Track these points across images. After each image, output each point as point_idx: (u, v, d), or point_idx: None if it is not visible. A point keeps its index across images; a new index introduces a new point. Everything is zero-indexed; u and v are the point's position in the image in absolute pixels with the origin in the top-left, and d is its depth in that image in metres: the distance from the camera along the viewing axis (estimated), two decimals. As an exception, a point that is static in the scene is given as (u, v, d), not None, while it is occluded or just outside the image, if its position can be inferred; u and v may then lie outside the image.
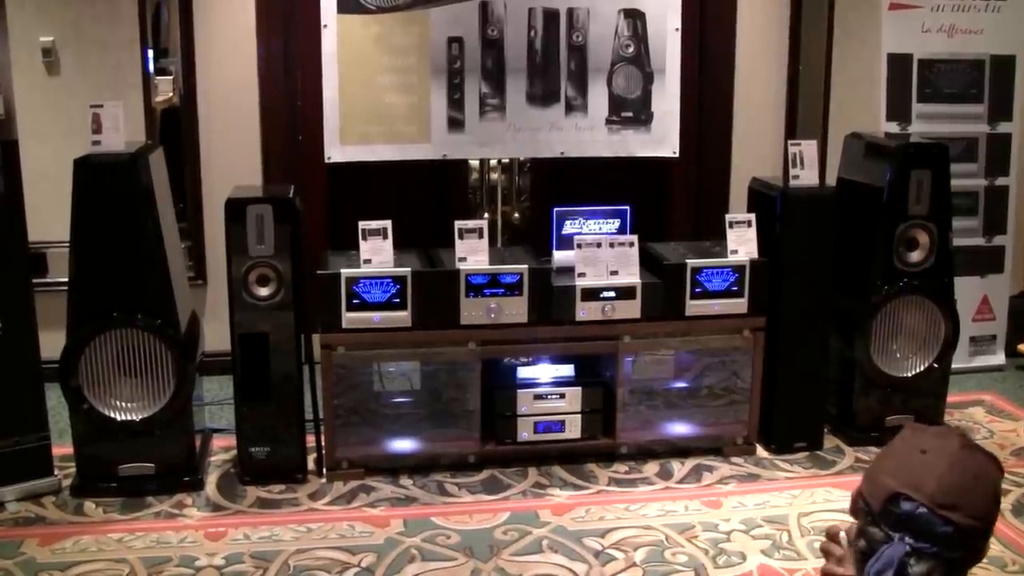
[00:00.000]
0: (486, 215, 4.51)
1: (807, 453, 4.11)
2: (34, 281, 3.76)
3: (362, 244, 3.77)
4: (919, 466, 1.54)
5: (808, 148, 4.09)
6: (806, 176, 4.05)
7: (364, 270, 3.74)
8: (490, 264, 3.81)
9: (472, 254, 3.81)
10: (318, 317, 3.78)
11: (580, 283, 3.85)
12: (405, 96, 4.32)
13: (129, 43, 4.62)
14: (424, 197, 4.83)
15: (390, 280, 3.74)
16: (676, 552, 3.35)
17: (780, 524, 3.55)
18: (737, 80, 5.08)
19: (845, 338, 4.16)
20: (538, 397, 3.92)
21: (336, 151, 4.28)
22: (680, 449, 4.07)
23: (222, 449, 4.09)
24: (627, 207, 4.14)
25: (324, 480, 3.84)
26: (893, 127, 4.87)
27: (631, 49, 4.47)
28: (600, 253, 3.87)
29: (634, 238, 3.92)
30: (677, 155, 4.59)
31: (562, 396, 3.93)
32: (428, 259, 3.97)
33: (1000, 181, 5.04)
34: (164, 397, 3.66)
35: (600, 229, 4.10)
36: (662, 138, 4.53)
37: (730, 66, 5.06)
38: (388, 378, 3.96)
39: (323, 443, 3.86)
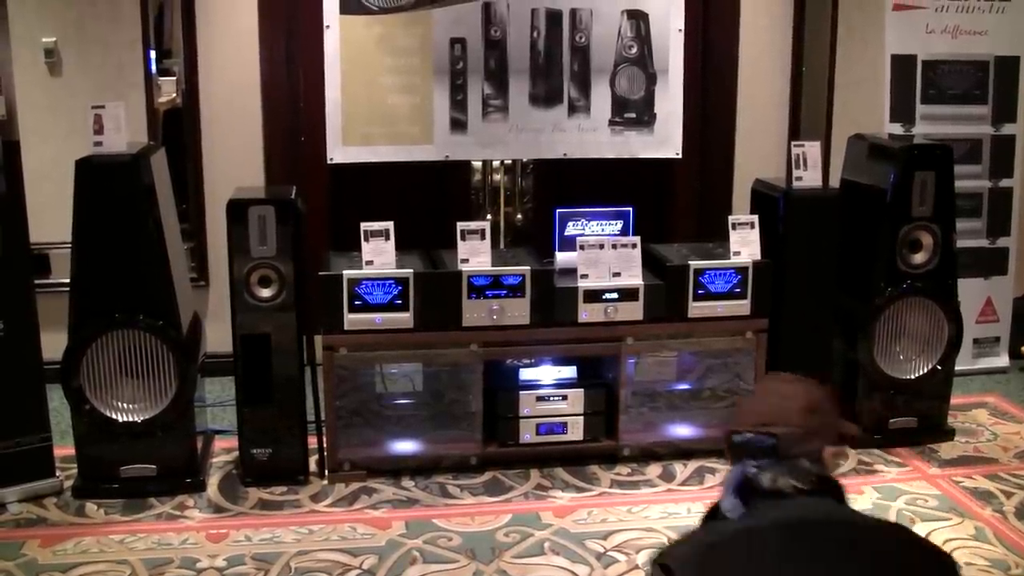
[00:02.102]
0: (488, 216, 4.50)
1: (810, 455, 4.10)
2: (36, 282, 3.76)
3: (364, 245, 3.77)
4: (745, 406, 1.96)
5: (811, 149, 4.08)
6: (809, 177, 4.05)
7: (366, 271, 3.74)
8: (492, 265, 3.81)
9: (474, 255, 3.81)
10: (320, 318, 3.77)
11: (582, 284, 3.84)
12: (407, 97, 4.31)
13: (131, 43, 4.62)
14: (426, 198, 4.83)
15: (392, 281, 3.73)
16: (678, 554, 3.33)
17: (783, 526, 3.53)
18: (740, 81, 5.07)
19: (848, 340, 4.16)
20: (540, 399, 3.91)
21: (338, 152, 4.28)
22: (683, 451, 4.06)
23: (224, 450, 4.09)
24: (630, 208, 4.14)
25: (326, 482, 3.84)
26: (897, 128, 4.85)
27: (634, 50, 4.46)
28: (602, 254, 3.87)
29: (636, 239, 3.92)
30: (680, 156, 4.59)
31: (564, 398, 3.92)
32: (430, 260, 3.97)
33: (1004, 183, 5.03)
34: (166, 398, 3.65)
35: (603, 230, 4.10)
36: (665, 139, 4.53)
37: (733, 67, 5.05)
38: (390, 380, 3.96)
39: (325, 445, 3.86)
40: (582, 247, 3.88)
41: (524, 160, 4.56)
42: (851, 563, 1.70)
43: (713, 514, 1.90)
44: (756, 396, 1.96)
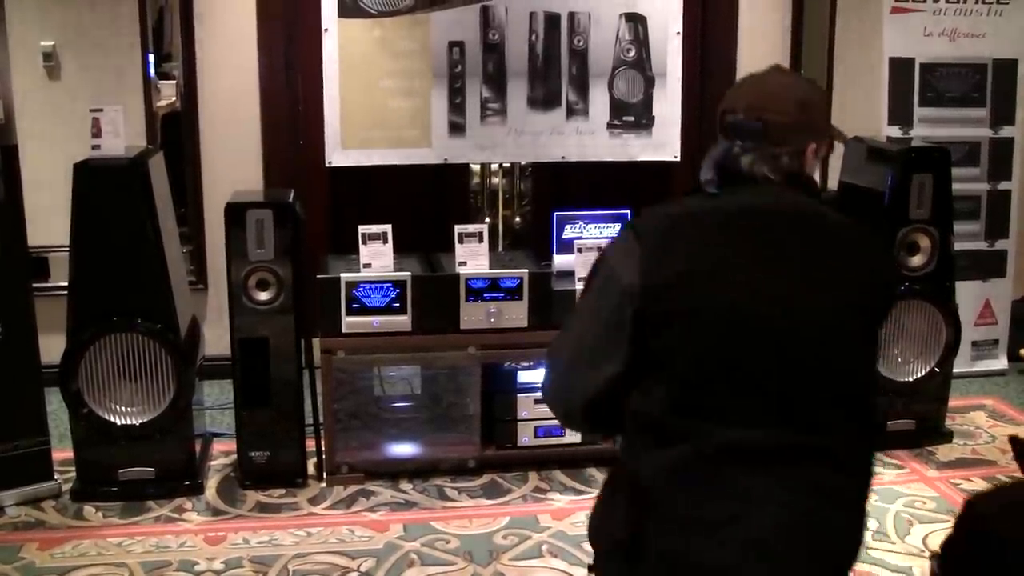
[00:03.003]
0: (487, 219, 4.50)
1: (808, 458, 4.10)
2: (35, 285, 3.77)
3: (362, 248, 3.77)
4: (743, 87, 1.97)
5: (809, 152, 4.07)
6: (807, 180, 4.04)
7: (364, 274, 3.74)
8: (490, 268, 3.81)
9: (472, 258, 3.81)
10: (318, 321, 3.77)
11: (580, 287, 3.84)
12: (406, 100, 4.31)
13: (130, 47, 4.62)
14: (425, 201, 4.83)
15: (390, 284, 3.74)
16: (676, 557, 3.33)
17: (781, 529, 3.53)
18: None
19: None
20: (538, 401, 3.91)
21: (337, 155, 4.28)
22: (681, 454, 4.05)
23: (222, 453, 4.09)
24: (628, 211, 4.14)
25: (324, 484, 3.84)
26: (895, 131, 4.86)
27: (632, 53, 4.46)
28: (600, 257, 3.86)
29: (635, 242, 3.91)
30: (678, 159, 4.58)
31: (562, 400, 3.91)
32: (428, 263, 3.97)
33: (1002, 185, 5.03)
34: (164, 401, 3.65)
35: (601, 233, 4.10)
36: (663, 142, 4.53)
37: (731, 70, 5.05)
38: (388, 382, 3.96)
39: (323, 447, 3.86)
40: (580, 250, 3.88)
41: (522, 163, 4.56)
42: (796, 244, 1.80)
43: (695, 188, 1.94)
44: (756, 80, 1.95)
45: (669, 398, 1.76)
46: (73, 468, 3.76)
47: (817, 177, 2.11)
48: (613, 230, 4.09)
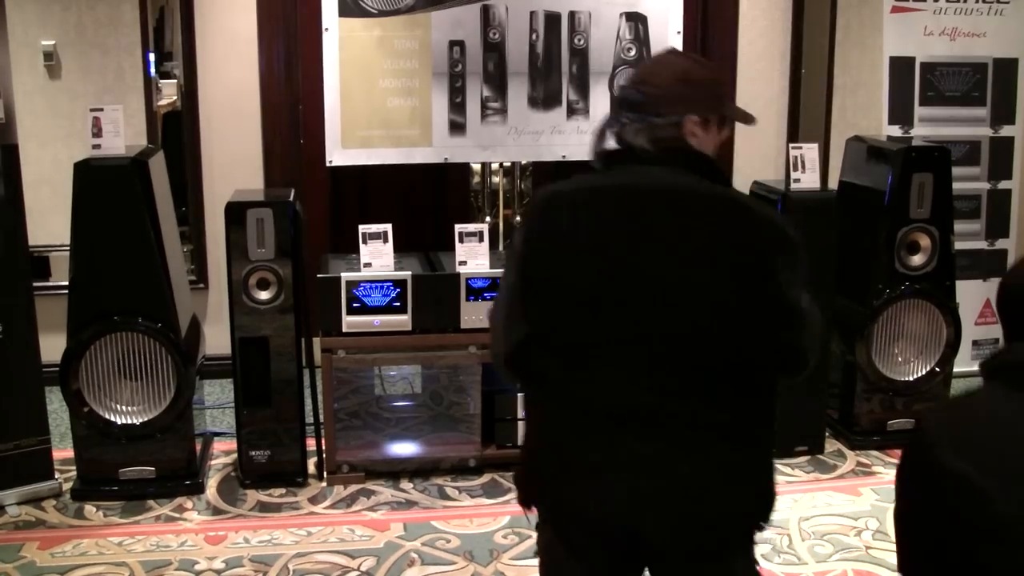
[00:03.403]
0: (488, 219, 4.50)
1: (808, 457, 4.11)
2: (36, 284, 3.77)
3: (362, 248, 3.77)
4: (635, 68, 2.12)
5: (810, 151, 4.08)
6: (807, 179, 4.05)
7: (364, 274, 3.74)
8: (491, 268, 3.81)
9: (472, 258, 3.81)
10: (318, 321, 3.78)
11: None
12: (406, 99, 4.31)
13: (130, 47, 4.62)
14: (425, 201, 4.83)
15: (390, 284, 3.74)
16: (676, 556, 3.34)
17: (781, 528, 3.54)
18: (739, 83, 5.07)
19: (846, 342, 4.16)
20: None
21: (337, 154, 4.28)
22: (681, 453, 4.06)
23: (222, 453, 4.09)
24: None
25: (324, 484, 3.84)
26: (895, 130, 4.86)
27: (633, 52, 4.46)
28: (601, 257, 3.86)
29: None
30: (678, 158, 4.58)
31: (563, 400, 3.92)
32: (429, 263, 3.97)
33: (1003, 184, 5.03)
34: (164, 401, 3.66)
35: (601, 233, 4.09)
36: (663, 141, 4.52)
37: (732, 69, 5.04)
38: (388, 382, 3.96)
39: (323, 447, 3.86)
40: (580, 249, 3.87)
41: (523, 162, 4.56)
42: (663, 219, 1.87)
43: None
44: (649, 60, 2.20)
45: (553, 361, 1.92)
46: (74, 467, 3.76)
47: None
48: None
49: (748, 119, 2.10)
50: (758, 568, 2.03)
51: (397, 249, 3.82)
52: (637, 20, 4.45)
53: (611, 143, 2.01)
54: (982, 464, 1.35)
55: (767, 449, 1.95)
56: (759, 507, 1.94)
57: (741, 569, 2.00)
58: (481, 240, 3.82)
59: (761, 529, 1.96)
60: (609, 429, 1.86)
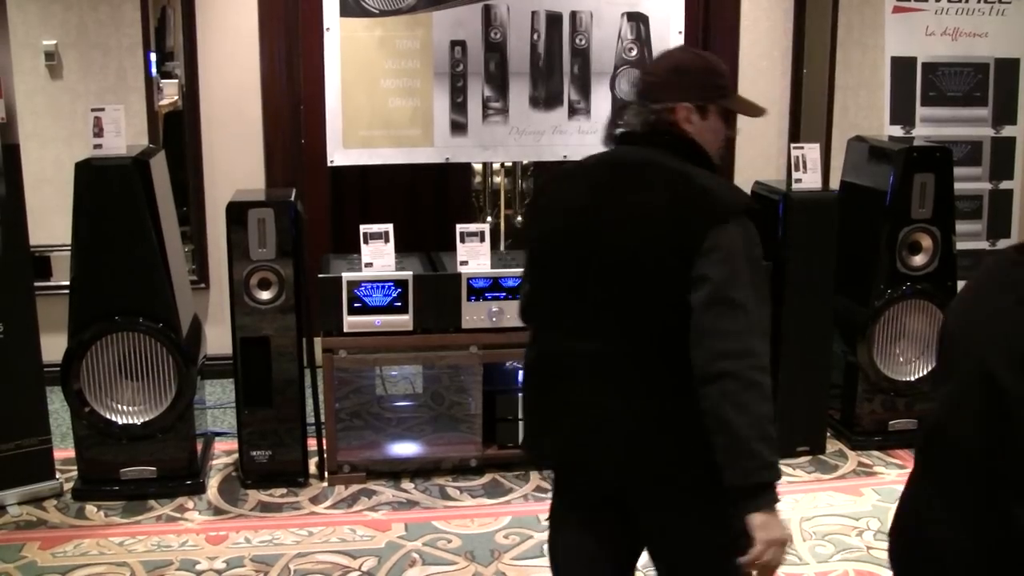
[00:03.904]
0: (489, 218, 4.50)
1: (810, 457, 4.10)
2: (38, 284, 3.77)
3: (363, 248, 3.77)
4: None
5: (811, 151, 4.08)
6: (809, 179, 4.05)
7: (365, 274, 3.74)
8: (492, 268, 3.81)
9: (474, 258, 3.81)
10: (319, 321, 3.77)
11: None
12: (408, 99, 4.31)
13: (132, 47, 4.62)
14: (427, 201, 4.83)
15: (391, 284, 3.74)
16: (678, 557, 3.33)
17: (782, 529, 3.53)
18: (740, 83, 5.06)
19: (848, 342, 4.15)
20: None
21: (339, 154, 4.28)
22: (682, 453, 4.05)
23: (224, 453, 4.09)
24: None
25: (325, 484, 3.84)
26: (897, 130, 4.86)
27: (634, 52, 4.46)
28: (602, 257, 3.86)
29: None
30: (680, 158, 4.57)
31: (564, 400, 3.92)
32: (430, 263, 3.97)
33: (1004, 184, 5.03)
34: (165, 401, 3.66)
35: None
36: (665, 141, 4.51)
37: (733, 69, 5.04)
38: (389, 382, 3.96)
39: (324, 447, 3.86)
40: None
41: (524, 162, 4.56)
42: (625, 188, 2.03)
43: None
44: (658, 55, 2.30)
45: (531, 307, 2.20)
46: (75, 467, 3.76)
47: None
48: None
49: (753, 111, 2.19)
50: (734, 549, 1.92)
51: (398, 249, 3.82)
52: (639, 20, 4.45)
53: (614, 120, 2.19)
54: None
55: (693, 401, 1.94)
56: (682, 453, 1.98)
57: (708, 531, 2.03)
58: (482, 240, 3.82)
59: (696, 483, 1.98)
60: (561, 375, 2.07)
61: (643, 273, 1.96)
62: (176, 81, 4.81)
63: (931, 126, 4.90)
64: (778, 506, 1.87)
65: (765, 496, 1.85)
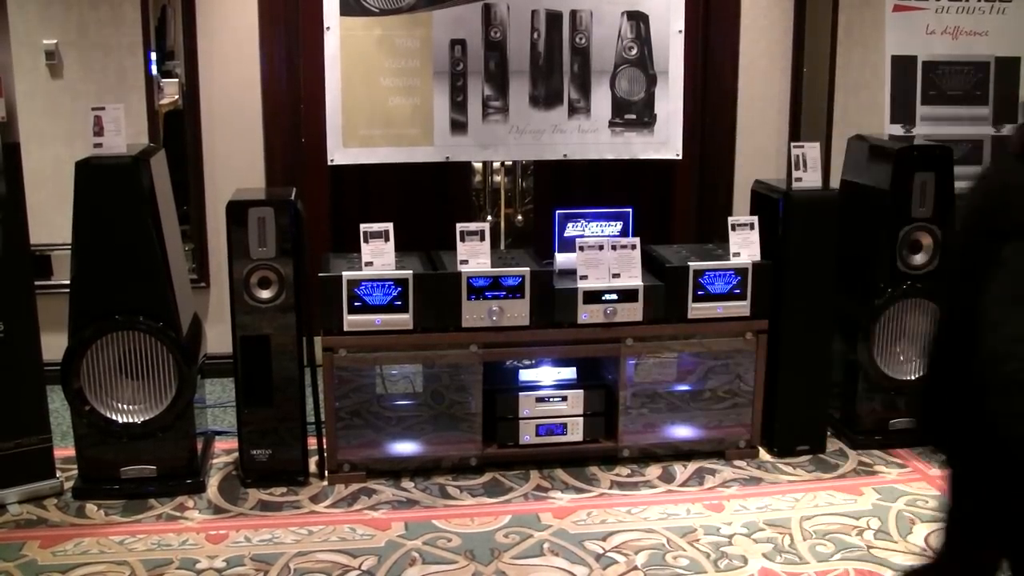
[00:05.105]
0: (489, 217, 4.51)
1: (810, 456, 4.10)
2: (38, 283, 3.77)
3: (364, 247, 3.77)
4: None
5: (811, 150, 4.08)
6: (809, 178, 4.05)
7: (365, 273, 3.74)
8: (492, 267, 3.81)
9: (474, 257, 3.81)
10: (320, 320, 3.77)
11: (582, 286, 3.84)
12: (408, 98, 4.32)
13: (132, 46, 4.62)
14: (427, 199, 4.83)
15: (391, 283, 3.74)
16: (677, 556, 3.34)
17: (782, 528, 3.54)
18: (740, 82, 5.07)
19: (848, 341, 4.15)
20: (540, 400, 3.91)
21: (339, 153, 4.29)
22: (682, 452, 4.06)
23: (224, 451, 4.09)
24: (629, 209, 4.14)
25: (325, 483, 3.84)
26: (897, 129, 4.86)
27: (634, 51, 4.46)
28: (602, 256, 3.87)
29: (636, 240, 3.92)
30: (680, 157, 4.58)
31: (564, 399, 3.92)
32: (430, 261, 3.97)
33: (1005, 183, 5.02)
34: (166, 400, 3.66)
35: (602, 231, 4.10)
36: (665, 140, 4.52)
37: (733, 68, 5.04)
38: (390, 381, 3.96)
39: (324, 446, 3.86)
40: (582, 248, 3.88)
41: (524, 161, 4.56)
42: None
43: None
44: None
45: None
46: (75, 466, 3.76)
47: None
48: (615, 228, 4.10)
49: None
50: None
51: (398, 248, 3.82)
52: (639, 19, 4.46)
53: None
54: None
55: None
56: None
57: None
58: (482, 239, 3.82)
59: None
60: None
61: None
62: (176, 80, 4.81)
63: (931, 125, 4.90)
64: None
65: None
